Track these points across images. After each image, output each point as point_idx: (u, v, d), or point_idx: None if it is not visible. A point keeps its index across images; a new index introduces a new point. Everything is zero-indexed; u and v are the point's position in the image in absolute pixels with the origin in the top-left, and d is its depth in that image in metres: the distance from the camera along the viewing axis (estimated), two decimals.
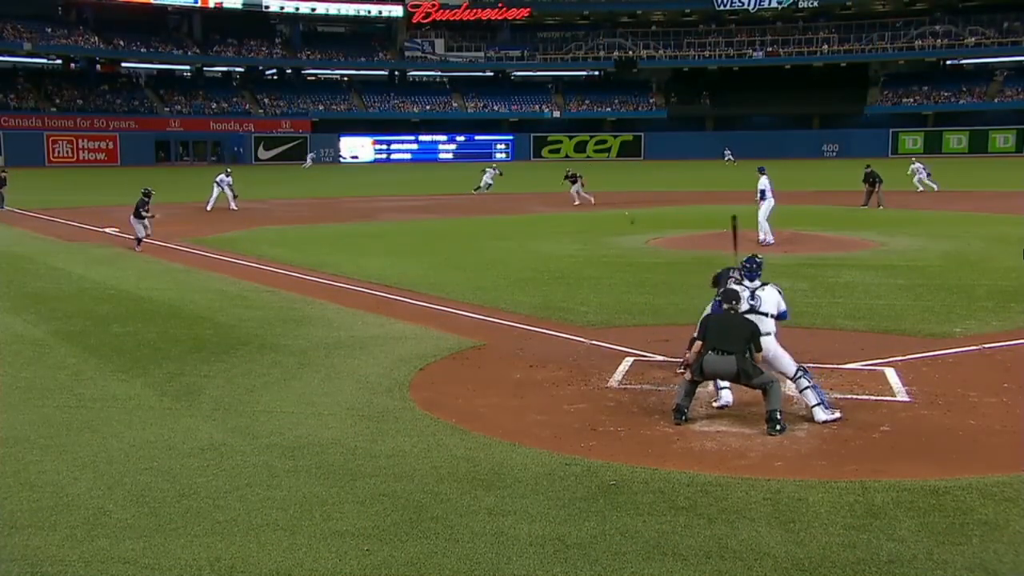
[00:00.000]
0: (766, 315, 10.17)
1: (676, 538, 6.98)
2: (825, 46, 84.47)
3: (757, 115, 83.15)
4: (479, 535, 7.05)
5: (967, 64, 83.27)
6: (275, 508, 7.55)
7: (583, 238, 26.37)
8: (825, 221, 28.81)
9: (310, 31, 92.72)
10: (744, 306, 10.13)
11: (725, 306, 9.91)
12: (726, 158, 71.00)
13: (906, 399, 10.46)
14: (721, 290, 10.40)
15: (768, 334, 10.03)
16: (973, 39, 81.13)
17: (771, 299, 10.29)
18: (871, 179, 34.07)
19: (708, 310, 11.03)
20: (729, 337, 9.56)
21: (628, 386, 11.21)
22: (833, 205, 35.52)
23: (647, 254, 23.27)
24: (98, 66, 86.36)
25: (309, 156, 78.77)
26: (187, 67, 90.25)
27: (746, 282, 10.43)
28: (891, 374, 11.41)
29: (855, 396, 10.66)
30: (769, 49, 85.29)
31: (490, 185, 45.39)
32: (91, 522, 7.30)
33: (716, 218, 30.89)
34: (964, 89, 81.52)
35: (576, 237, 26.61)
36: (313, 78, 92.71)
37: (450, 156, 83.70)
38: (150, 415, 10.11)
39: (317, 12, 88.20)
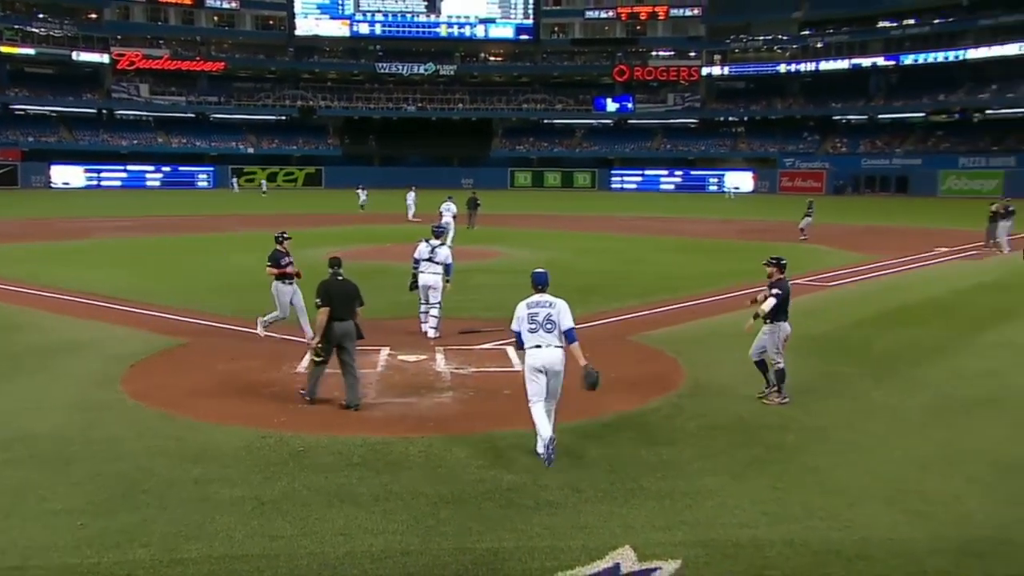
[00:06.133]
0: (437, 264, 13.05)
1: (352, 488, 6.95)
2: (460, 104, 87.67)
3: (412, 155, 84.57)
4: (187, 501, 6.59)
5: (558, 123, 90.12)
6: None
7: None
8: (462, 237, 29.76)
9: (17, 71, 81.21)
10: (425, 255, 13.01)
11: (332, 269, 9.58)
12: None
13: (521, 369, 11.03)
14: (331, 257, 10.02)
15: (438, 274, 13.02)
16: (561, 105, 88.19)
17: (443, 253, 13.14)
18: (472, 204, 35.43)
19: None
20: (347, 304, 9.26)
21: None
22: (462, 225, 36.82)
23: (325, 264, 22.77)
24: None
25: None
26: None
27: (432, 240, 13.16)
28: (511, 351, 11.90)
29: (486, 369, 11.15)
30: (419, 104, 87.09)
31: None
32: None
33: (378, 236, 31.10)
34: (557, 141, 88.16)
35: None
36: (23, 112, 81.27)
37: (157, 184, 76.95)
38: None
39: (24, 54, 77.69)
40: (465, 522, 6.34)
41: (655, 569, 5.65)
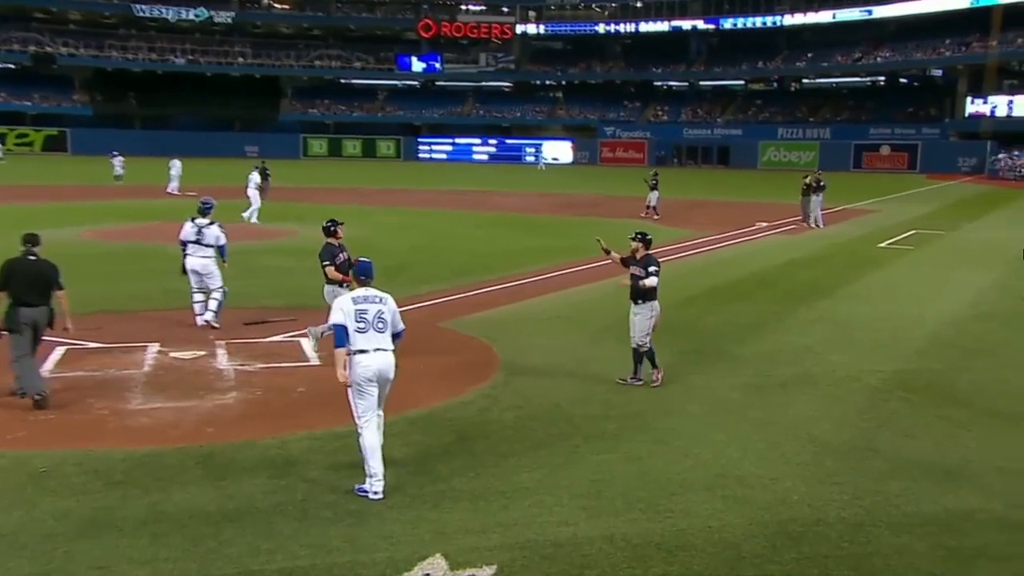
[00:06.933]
0: (209, 246, 12.64)
1: (112, 511, 6.60)
2: (241, 59, 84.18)
3: (183, 116, 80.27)
4: None
5: (357, 84, 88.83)
6: None
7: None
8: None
9: None
10: (192, 237, 12.63)
11: (25, 248, 9.16)
12: None
13: (317, 363, 10.89)
14: (25, 234, 9.35)
15: (209, 258, 12.66)
16: (360, 64, 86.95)
17: (212, 234, 12.70)
18: (262, 176, 34.52)
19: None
20: (37, 288, 9.05)
21: (61, 374, 10.23)
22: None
23: (82, 246, 21.26)
24: None
25: None
26: None
27: (199, 219, 12.74)
28: (306, 344, 11.77)
29: (277, 365, 10.90)
30: (190, 57, 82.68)
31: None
32: None
33: (141, 212, 29.37)
34: (356, 104, 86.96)
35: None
36: None
37: None
38: None
39: None
40: (253, 541, 6.19)
41: None
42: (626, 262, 10.46)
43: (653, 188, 30.28)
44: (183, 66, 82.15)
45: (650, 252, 10.35)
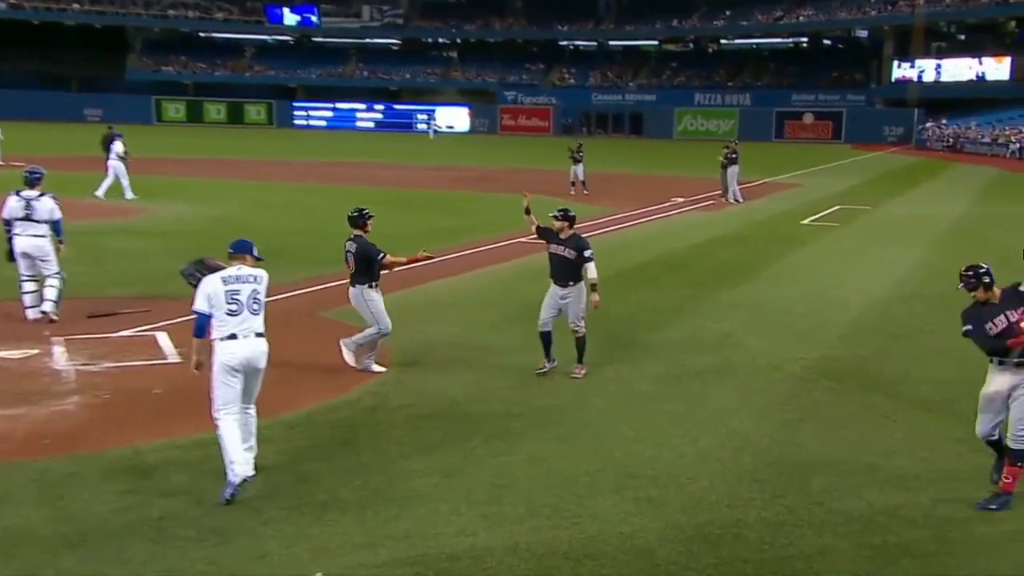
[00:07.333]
0: (42, 222, 12.19)
1: None
2: (76, 5, 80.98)
3: (5, 72, 76.68)
4: None
5: (219, 38, 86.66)
6: None
7: None
8: (86, 187, 27.68)
9: None
10: (20, 213, 12.09)
11: None
12: None
13: (178, 360, 10.63)
14: None
15: (43, 236, 12.24)
16: (222, 15, 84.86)
17: (45, 207, 12.23)
18: (107, 144, 33.47)
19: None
20: None
21: None
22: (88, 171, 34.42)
23: None
24: None
25: None
26: None
27: (26, 191, 12.23)
28: (163, 338, 11.56)
29: (127, 363, 10.65)
30: (12, 1, 79.03)
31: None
32: None
33: None
34: (219, 62, 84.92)
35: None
36: None
37: None
38: None
39: None
40: (99, 568, 6.05)
41: None
42: (543, 233, 10.65)
43: (578, 161, 30.60)
44: (3, 11, 78.34)
45: (575, 231, 10.55)
